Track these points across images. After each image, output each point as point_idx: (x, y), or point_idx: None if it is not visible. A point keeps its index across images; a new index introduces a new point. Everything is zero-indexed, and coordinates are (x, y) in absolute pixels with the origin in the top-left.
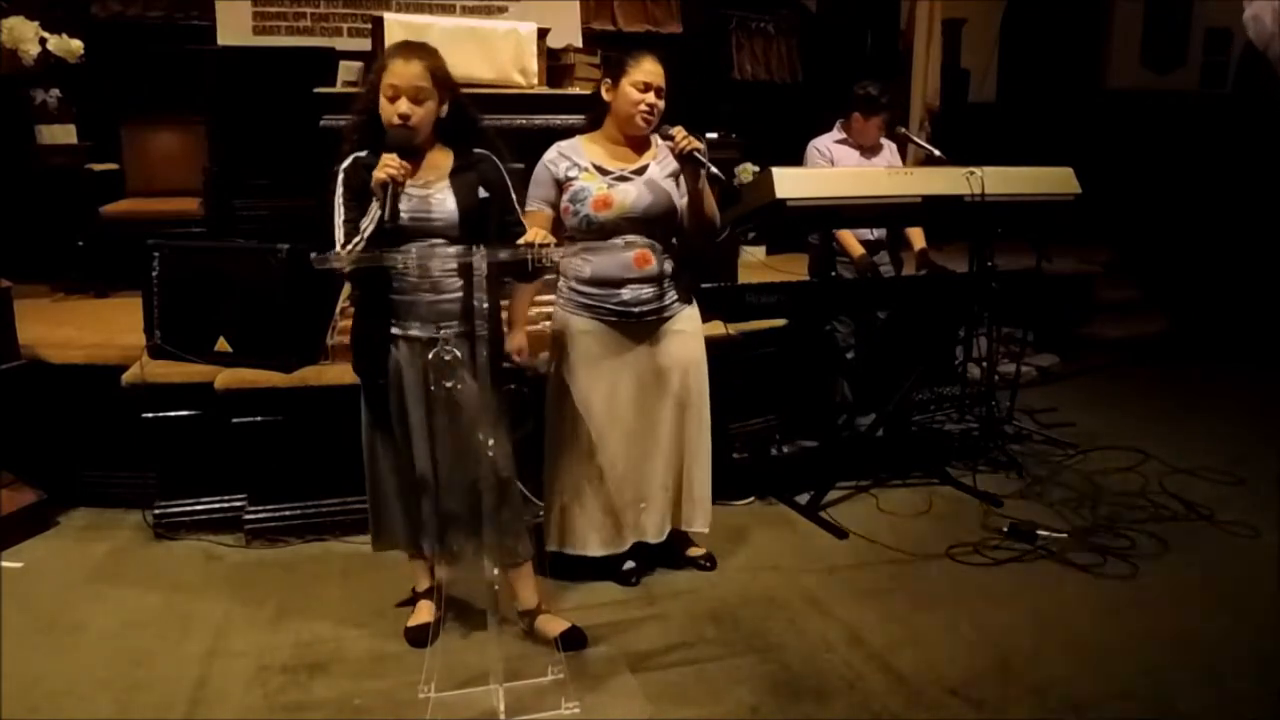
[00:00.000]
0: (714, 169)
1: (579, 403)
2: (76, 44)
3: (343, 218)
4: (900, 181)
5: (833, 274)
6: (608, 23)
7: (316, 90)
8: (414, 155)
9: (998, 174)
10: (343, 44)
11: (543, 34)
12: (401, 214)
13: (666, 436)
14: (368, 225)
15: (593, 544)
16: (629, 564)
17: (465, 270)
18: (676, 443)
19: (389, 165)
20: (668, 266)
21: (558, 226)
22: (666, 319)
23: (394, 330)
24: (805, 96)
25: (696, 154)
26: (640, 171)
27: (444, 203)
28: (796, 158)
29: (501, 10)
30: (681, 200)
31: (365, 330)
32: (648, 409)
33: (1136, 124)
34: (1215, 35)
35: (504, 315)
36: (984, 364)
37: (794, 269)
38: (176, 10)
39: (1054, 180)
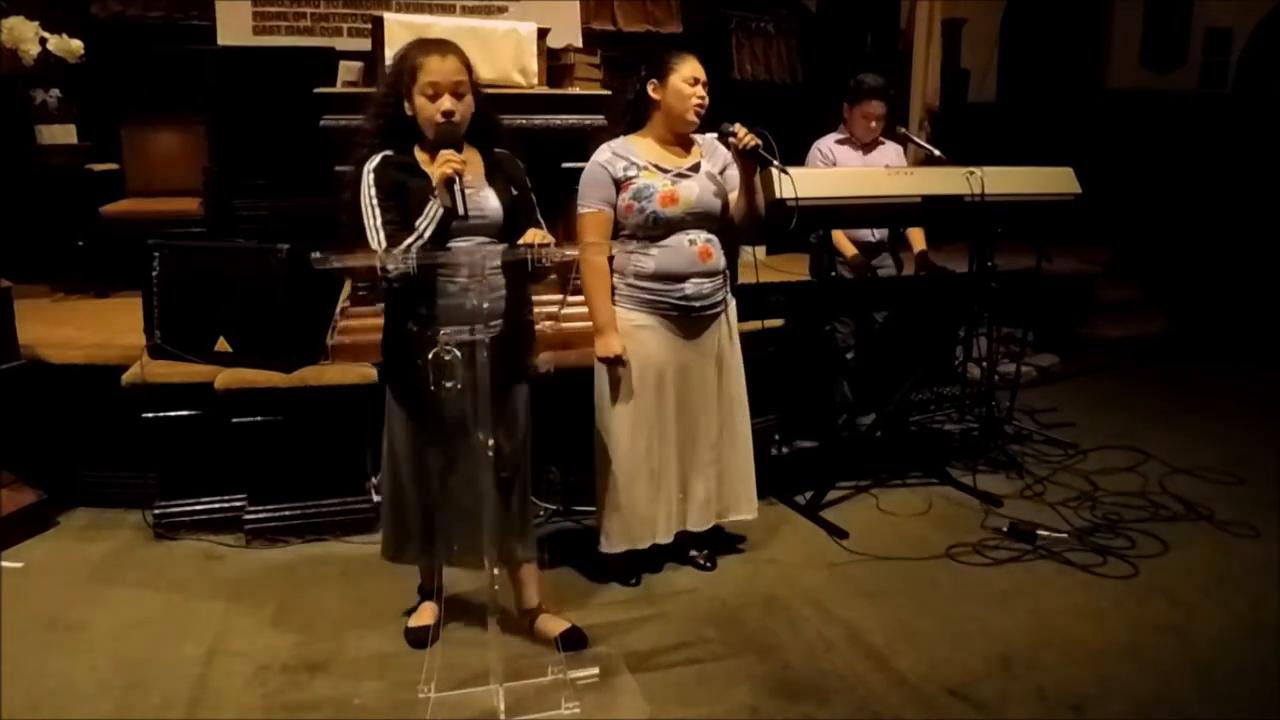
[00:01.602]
0: (777, 163)
1: (635, 400)
2: (76, 44)
3: (380, 219)
4: (900, 181)
5: (833, 274)
6: (608, 23)
7: (316, 90)
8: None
9: (998, 174)
10: (343, 44)
11: (543, 34)
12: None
13: (710, 428)
14: (427, 224)
15: (644, 538)
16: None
17: (508, 268)
18: (718, 433)
19: (451, 160)
20: (724, 260)
21: (616, 226)
22: (721, 312)
23: (442, 336)
24: (805, 96)
25: (759, 149)
26: (695, 169)
27: (489, 200)
28: (796, 158)
29: (501, 10)
30: (730, 194)
31: (407, 335)
32: (695, 402)
33: (1136, 124)
34: (1215, 35)
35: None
36: (984, 364)
37: (794, 269)
38: (176, 10)
39: (1054, 180)
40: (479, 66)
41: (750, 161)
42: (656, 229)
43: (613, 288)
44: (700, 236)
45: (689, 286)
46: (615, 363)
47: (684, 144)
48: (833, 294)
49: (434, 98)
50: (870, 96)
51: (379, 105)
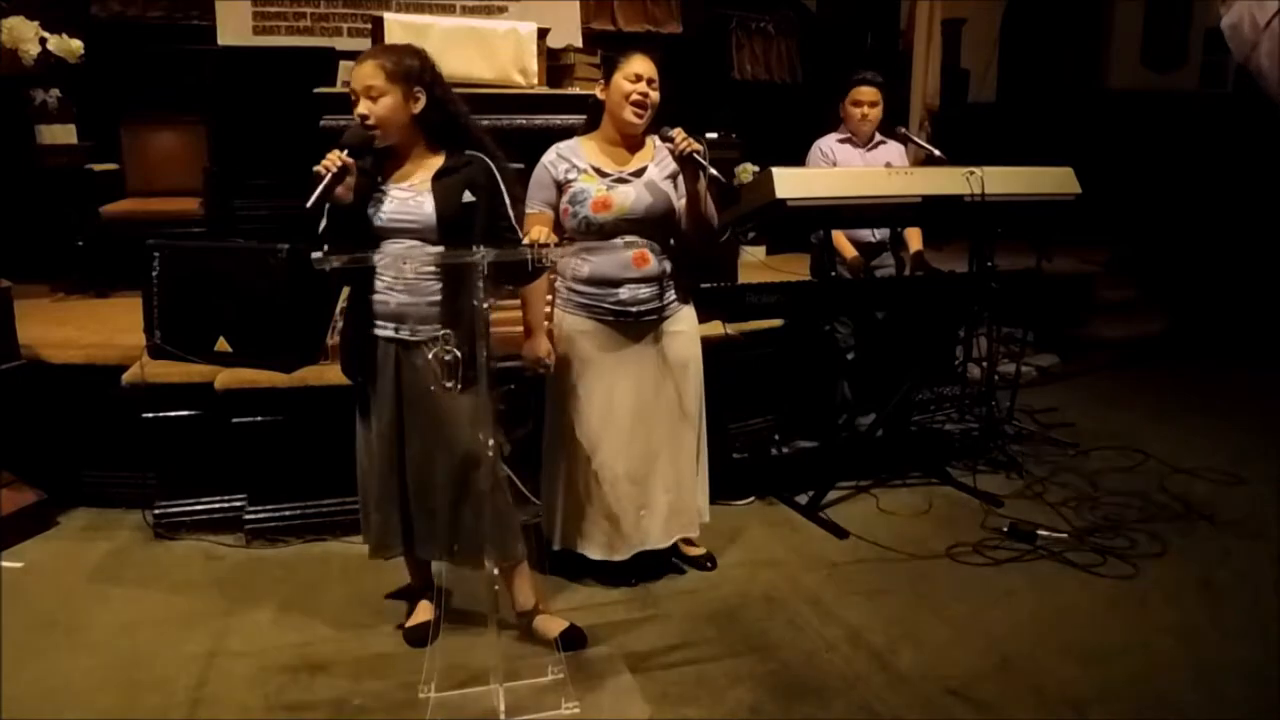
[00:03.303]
0: (713, 170)
1: (576, 403)
2: (76, 44)
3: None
4: (900, 181)
5: (833, 274)
6: (608, 23)
7: (316, 90)
8: (395, 156)
9: (998, 174)
10: (343, 44)
11: (543, 34)
12: (381, 215)
13: (666, 438)
14: (323, 224)
15: (594, 547)
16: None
17: (448, 272)
18: (675, 444)
19: (327, 159)
20: (666, 267)
21: (557, 228)
22: (664, 319)
23: (375, 332)
24: (805, 96)
25: (696, 155)
26: (639, 173)
27: (421, 206)
28: (796, 158)
29: (501, 10)
30: (680, 202)
31: (349, 331)
32: (646, 410)
33: (1136, 124)
34: (1215, 35)
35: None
36: (984, 364)
37: (794, 269)
38: (176, 10)
39: (1054, 180)
40: (479, 67)
41: (690, 168)
42: (590, 234)
43: (554, 291)
44: (637, 242)
45: (624, 292)
46: (539, 365)
47: (633, 146)
48: (833, 294)
49: (355, 103)
50: (858, 84)
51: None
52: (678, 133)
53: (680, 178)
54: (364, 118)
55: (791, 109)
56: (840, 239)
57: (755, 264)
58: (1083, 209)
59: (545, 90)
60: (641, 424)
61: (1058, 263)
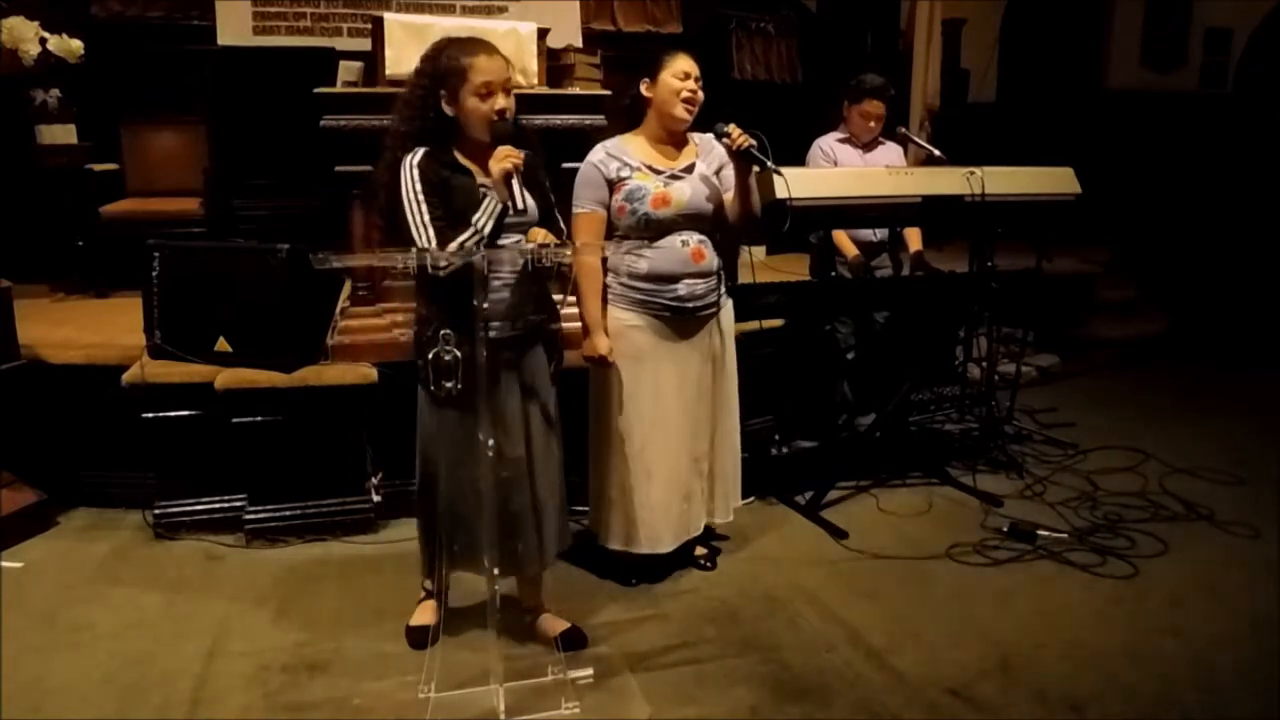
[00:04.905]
0: (771, 164)
1: (629, 399)
2: (76, 44)
3: (429, 215)
4: (900, 181)
5: (833, 274)
6: (608, 23)
7: (316, 90)
8: (474, 154)
9: (998, 174)
10: (343, 44)
11: (543, 34)
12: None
13: (707, 428)
14: (485, 220)
15: (667, 540)
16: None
17: (539, 269)
18: (715, 432)
19: (511, 156)
20: (718, 261)
21: (609, 227)
22: (715, 313)
23: (489, 334)
24: (805, 96)
25: (753, 150)
26: (689, 169)
27: (528, 199)
28: (797, 158)
29: (501, 10)
30: (726, 195)
31: (444, 336)
32: (692, 402)
33: (1136, 124)
34: (1215, 35)
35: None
36: (984, 364)
37: (794, 269)
38: (176, 10)
39: (1054, 180)
40: None
41: (744, 162)
42: (649, 230)
43: (606, 287)
44: (693, 238)
45: (682, 287)
46: (600, 363)
47: (678, 143)
48: (833, 294)
49: (487, 96)
50: (870, 96)
51: (417, 106)
52: (732, 127)
53: (723, 172)
54: (503, 112)
55: (791, 109)
56: (841, 237)
57: (755, 264)
58: (1083, 209)
59: (545, 90)
60: (688, 417)
61: (1058, 263)
